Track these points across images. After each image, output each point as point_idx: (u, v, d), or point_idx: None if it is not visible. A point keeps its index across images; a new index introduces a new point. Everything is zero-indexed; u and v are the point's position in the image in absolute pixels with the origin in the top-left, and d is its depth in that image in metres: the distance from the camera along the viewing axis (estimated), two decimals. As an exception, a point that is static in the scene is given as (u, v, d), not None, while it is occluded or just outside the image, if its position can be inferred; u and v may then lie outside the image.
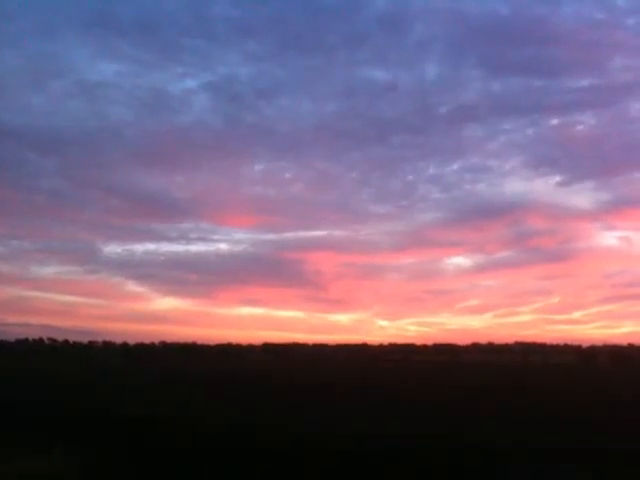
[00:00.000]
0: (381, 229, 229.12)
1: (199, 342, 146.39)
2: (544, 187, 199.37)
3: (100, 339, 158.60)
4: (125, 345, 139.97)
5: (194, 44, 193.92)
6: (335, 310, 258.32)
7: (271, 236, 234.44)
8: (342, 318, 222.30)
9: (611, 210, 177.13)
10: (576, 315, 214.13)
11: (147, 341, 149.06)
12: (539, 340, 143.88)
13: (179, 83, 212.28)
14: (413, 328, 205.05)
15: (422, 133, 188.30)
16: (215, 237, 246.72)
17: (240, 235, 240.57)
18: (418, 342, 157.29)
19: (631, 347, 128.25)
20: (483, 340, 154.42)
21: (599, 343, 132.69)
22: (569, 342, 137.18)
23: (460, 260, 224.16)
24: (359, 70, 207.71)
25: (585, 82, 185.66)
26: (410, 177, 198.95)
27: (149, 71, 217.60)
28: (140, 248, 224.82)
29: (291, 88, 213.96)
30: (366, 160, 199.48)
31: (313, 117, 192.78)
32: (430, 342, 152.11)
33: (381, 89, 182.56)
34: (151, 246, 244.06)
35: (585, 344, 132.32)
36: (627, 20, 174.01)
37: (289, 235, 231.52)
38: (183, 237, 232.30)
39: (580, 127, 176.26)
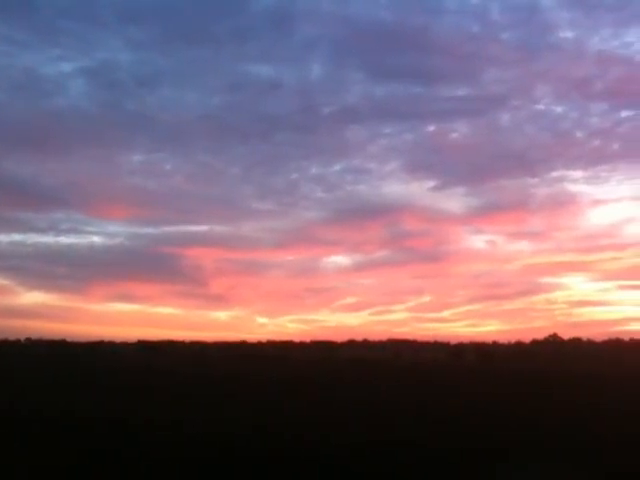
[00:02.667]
0: (263, 226, 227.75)
1: (68, 339, 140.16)
2: (419, 191, 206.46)
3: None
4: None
5: (73, 26, 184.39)
6: (214, 307, 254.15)
7: (149, 230, 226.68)
8: (221, 315, 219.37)
9: (480, 215, 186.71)
10: (446, 314, 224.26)
11: (12, 337, 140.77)
12: (411, 337, 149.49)
13: (54, 66, 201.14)
14: (292, 325, 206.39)
15: (306, 132, 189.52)
16: (88, 229, 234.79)
17: (115, 228, 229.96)
18: (296, 339, 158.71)
19: (495, 344, 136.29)
20: (359, 337, 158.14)
21: (466, 340, 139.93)
22: (439, 339, 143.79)
23: (339, 259, 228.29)
24: (245, 65, 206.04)
25: (461, 92, 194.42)
26: (294, 175, 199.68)
27: (23, 52, 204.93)
28: (5, 238, 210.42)
29: (175, 78, 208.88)
30: (250, 156, 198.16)
31: (197, 109, 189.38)
32: (308, 339, 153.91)
33: (266, 86, 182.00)
34: (17, 237, 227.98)
35: (453, 341, 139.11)
36: (501, 35, 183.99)
37: (168, 229, 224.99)
38: (53, 228, 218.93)
39: (454, 135, 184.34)
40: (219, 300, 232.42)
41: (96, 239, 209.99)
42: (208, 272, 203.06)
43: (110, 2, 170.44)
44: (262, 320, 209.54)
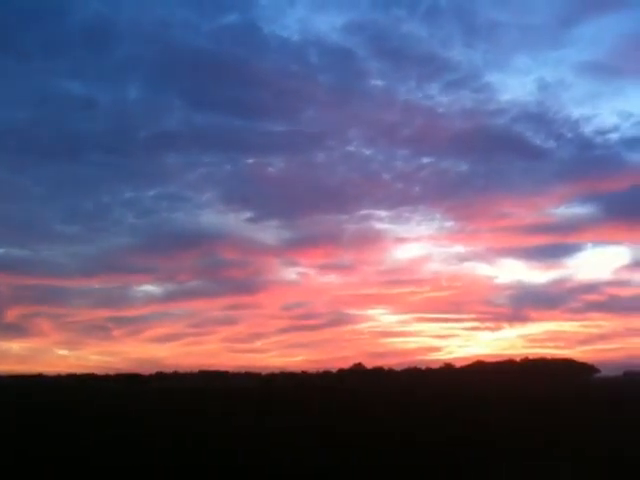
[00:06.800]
0: (67, 251, 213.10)
1: None
2: (235, 221, 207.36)
3: None
4: None
5: None
6: (8, 337, 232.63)
7: None
8: (15, 346, 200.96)
9: (293, 247, 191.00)
10: (258, 344, 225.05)
11: None
12: (223, 368, 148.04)
13: None
14: (95, 357, 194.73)
15: (120, 155, 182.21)
16: None
17: None
18: (100, 372, 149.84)
19: (304, 373, 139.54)
20: (168, 369, 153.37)
21: (277, 370, 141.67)
22: (250, 369, 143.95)
23: (150, 288, 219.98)
24: (55, 80, 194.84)
25: (280, 127, 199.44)
26: (104, 199, 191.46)
27: None
28: None
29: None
30: (56, 175, 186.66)
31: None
32: (113, 372, 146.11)
33: (77, 104, 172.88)
34: None
35: (265, 371, 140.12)
36: (319, 76, 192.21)
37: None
38: None
39: (271, 169, 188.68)
40: (13, 330, 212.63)
41: None
42: (2, 299, 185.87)
43: None
44: (62, 352, 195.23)
